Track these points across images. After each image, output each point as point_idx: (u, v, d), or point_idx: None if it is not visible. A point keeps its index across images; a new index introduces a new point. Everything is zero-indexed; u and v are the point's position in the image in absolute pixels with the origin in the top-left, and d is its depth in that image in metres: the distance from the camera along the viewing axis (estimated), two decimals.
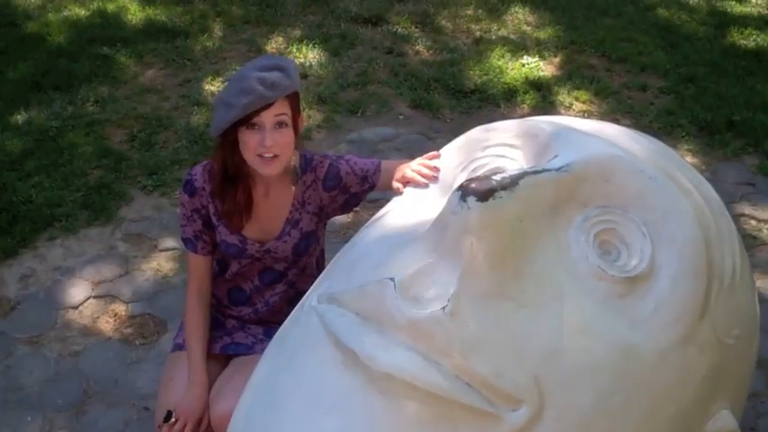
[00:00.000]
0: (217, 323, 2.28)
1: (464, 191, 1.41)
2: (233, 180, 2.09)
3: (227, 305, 2.30)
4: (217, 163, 2.09)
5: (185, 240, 2.19)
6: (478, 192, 1.39)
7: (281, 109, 1.97)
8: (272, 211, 2.15)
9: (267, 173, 2.02)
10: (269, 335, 1.77)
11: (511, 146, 1.75)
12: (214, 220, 2.14)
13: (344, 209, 2.25)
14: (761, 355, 1.89)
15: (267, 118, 1.95)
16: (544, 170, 1.52)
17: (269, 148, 1.96)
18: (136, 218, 3.57)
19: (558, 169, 1.54)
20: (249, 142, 1.97)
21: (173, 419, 2.04)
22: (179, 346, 2.25)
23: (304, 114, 4.25)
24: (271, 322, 2.26)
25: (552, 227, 1.51)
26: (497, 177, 1.44)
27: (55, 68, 4.76)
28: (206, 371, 2.13)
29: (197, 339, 2.17)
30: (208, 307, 2.22)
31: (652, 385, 1.49)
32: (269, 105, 1.94)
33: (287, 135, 2.00)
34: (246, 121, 1.95)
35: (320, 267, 2.32)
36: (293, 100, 2.02)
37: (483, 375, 1.37)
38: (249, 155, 2.00)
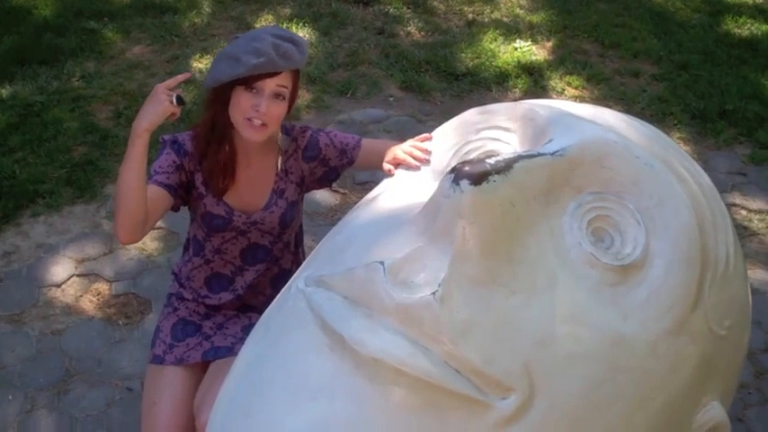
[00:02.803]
0: (193, 328, 2.22)
1: (457, 174, 1.38)
2: (219, 138, 2.05)
3: (205, 294, 2.24)
4: (205, 118, 2.05)
5: (158, 179, 2.00)
6: (472, 175, 1.37)
7: (284, 81, 1.96)
8: (255, 182, 2.12)
9: (250, 138, 1.99)
10: (248, 333, 1.73)
11: (505, 129, 1.73)
12: (202, 189, 2.09)
13: (322, 182, 2.23)
14: (749, 346, 1.88)
15: (269, 85, 1.93)
16: (539, 154, 1.50)
17: (261, 114, 1.93)
18: None
19: (552, 154, 1.51)
20: (242, 103, 1.94)
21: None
22: (158, 358, 2.17)
23: None
24: (251, 305, 2.24)
25: (545, 212, 1.49)
26: (491, 161, 1.42)
27: (41, 42, 4.70)
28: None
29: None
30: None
31: (643, 375, 1.47)
32: (275, 73, 1.92)
33: (281, 107, 1.98)
34: (247, 82, 1.92)
35: (299, 243, 2.31)
36: (296, 77, 2.01)
37: (472, 362, 1.35)
38: (237, 116, 1.96)
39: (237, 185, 2.11)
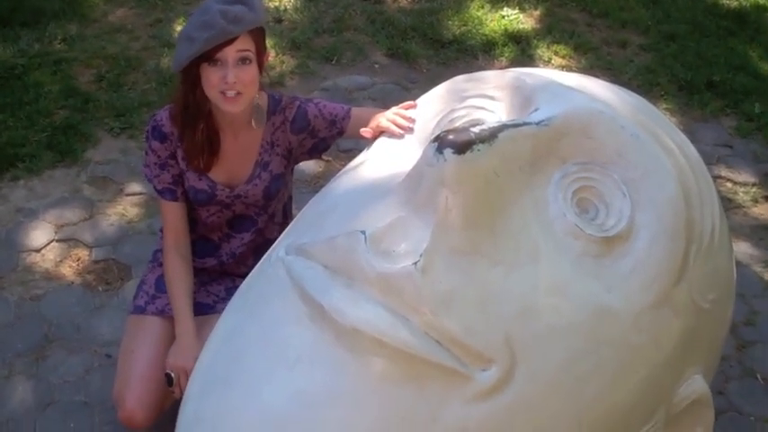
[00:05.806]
0: None
1: (441, 142, 1.36)
2: (193, 118, 2.02)
3: (192, 258, 2.22)
4: (178, 101, 2.03)
5: (162, 191, 2.11)
6: (456, 144, 1.35)
7: (244, 44, 1.91)
8: (241, 154, 2.10)
9: (230, 110, 1.97)
10: (231, 294, 1.73)
11: (490, 98, 1.70)
12: (183, 165, 2.08)
13: (312, 153, 2.20)
14: (731, 319, 1.87)
15: (230, 53, 1.90)
16: (524, 123, 1.49)
17: (231, 84, 1.90)
18: (102, 160, 3.49)
19: (538, 123, 1.50)
20: (211, 79, 1.91)
21: (174, 380, 1.98)
22: (140, 309, 2.18)
23: (277, 60, 4.21)
24: (234, 275, 2.23)
25: (530, 183, 1.48)
26: (476, 129, 1.40)
27: (22, 4, 4.62)
28: (192, 321, 2.06)
29: (180, 294, 2.09)
30: (189, 259, 2.15)
31: (625, 348, 1.46)
32: (232, 41, 1.88)
33: (250, 71, 1.94)
34: (208, 56, 1.89)
35: (287, 214, 2.29)
36: (257, 35, 1.96)
37: (453, 333, 1.34)
38: (212, 92, 1.94)
39: (223, 158, 2.09)
